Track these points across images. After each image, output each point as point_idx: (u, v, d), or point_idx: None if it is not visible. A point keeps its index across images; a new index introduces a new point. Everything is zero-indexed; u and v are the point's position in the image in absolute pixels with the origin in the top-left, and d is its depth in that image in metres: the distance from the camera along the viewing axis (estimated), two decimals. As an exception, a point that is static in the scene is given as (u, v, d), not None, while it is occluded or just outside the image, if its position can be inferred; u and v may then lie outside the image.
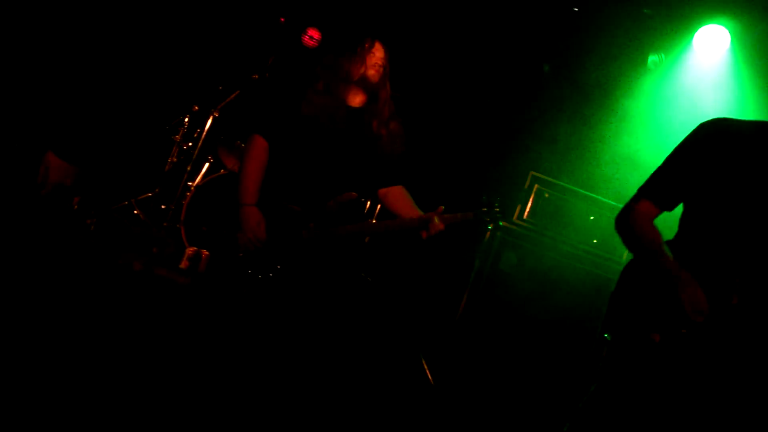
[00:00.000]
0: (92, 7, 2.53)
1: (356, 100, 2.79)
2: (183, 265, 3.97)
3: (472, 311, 4.09)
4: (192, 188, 4.60)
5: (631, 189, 2.19)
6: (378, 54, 2.73)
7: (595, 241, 4.27)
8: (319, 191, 2.70)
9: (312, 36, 5.94)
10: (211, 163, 4.84)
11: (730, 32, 4.49)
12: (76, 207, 4.23)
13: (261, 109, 2.78)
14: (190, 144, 5.05)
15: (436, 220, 2.53)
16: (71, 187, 2.52)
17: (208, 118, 4.94)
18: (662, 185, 2.10)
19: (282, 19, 6.06)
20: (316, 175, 2.71)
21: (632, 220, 2.10)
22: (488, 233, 4.28)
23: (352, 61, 2.70)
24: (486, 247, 4.19)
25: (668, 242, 2.07)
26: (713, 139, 2.00)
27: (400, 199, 2.80)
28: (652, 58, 4.76)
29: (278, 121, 2.73)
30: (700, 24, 4.58)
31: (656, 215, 2.11)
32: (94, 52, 2.54)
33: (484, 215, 2.63)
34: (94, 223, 4.09)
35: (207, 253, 3.99)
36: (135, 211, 4.73)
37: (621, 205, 2.20)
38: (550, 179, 4.38)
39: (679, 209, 2.14)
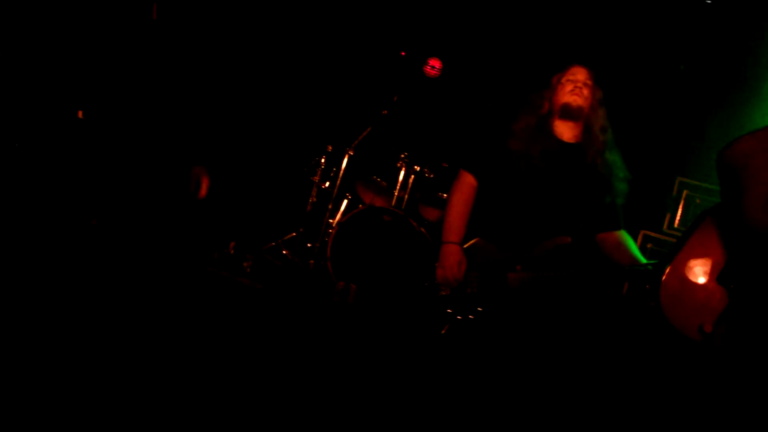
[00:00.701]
0: (237, 64, 2.75)
1: (567, 133, 2.64)
2: (334, 299, 4.14)
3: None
4: (334, 225, 4.80)
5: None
6: (578, 77, 2.60)
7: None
8: (529, 232, 2.56)
9: (433, 65, 6.04)
10: (349, 200, 5.03)
11: None
12: (232, 252, 4.55)
13: (469, 145, 2.78)
14: (328, 183, 5.27)
15: None
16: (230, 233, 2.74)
17: (344, 157, 5.14)
18: None
19: (402, 53, 6.22)
20: (527, 215, 2.58)
21: None
22: (638, 244, 4.10)
23: (551, 91, 2.62)
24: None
25: None
26: None
27: (621, 246, 2.59)
28: None
29: (487, 158, 2.67)
30: None
31: None
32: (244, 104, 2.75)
33: None
34: (250, 265, 4.36)
35: (355, 286, 4.14)
36: (283, 251, 4.99)
37: None
38: (699, 183, 4.14)
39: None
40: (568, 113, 2.59)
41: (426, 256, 4.33)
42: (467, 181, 2.69)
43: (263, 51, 5.68)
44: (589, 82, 2.61)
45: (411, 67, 6.06)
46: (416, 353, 2.79)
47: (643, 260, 2.50)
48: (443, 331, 2.53)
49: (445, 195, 4.78)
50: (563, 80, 2.61)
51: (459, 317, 2.54)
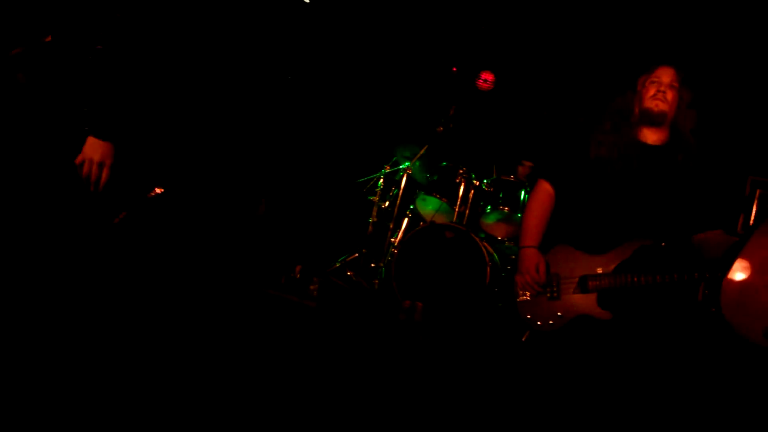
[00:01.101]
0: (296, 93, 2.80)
1: (652, 136, 2.56)
2: (401, 317, 4.15)
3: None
4: (397, 244, 4.82)
5: None
6: (663, 79, 2.51)
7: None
8: (614, 236, 2.50)
9: (486, 79, 6.04)
10: (410, 219, 5.05)
11: None
12: (299, 276, 4.62)
13: (548, 154, 2.77)
14: (388, 203, 5.30)
15: None
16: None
17: (402, 176, 5.17)
18: None
19: (454, 69, 6.24)
20: (610, 219, 2.53)
21: None
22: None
23: (636, 95, 2.55)
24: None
25: None
26: None
27: (721, 246, 2.47)
28: None
29: (565, 166, 2.65)
30: None
31: None
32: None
33: None
34: (317, 288, 4.42)
35: (422, 304, 4.14)
36: (348, 273, 5.04)
37: None
38: (773, 181, 3.99)
39: None
40: (650, 119, 2.52)
41: (490, 270, 4.29)
42: (544, 189, 2.67)
43: (319, 75, 5.78)
44: (675, 84, 2.51)
45: (464, 83, 6.07)
46: (497, 365, 2.75)
47: None
48: (524, 339, 2.50)
49: (506, 208, 4.74)
50: (647, 83, 2.53)
51: (539, 323, 2.50)
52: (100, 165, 2.12)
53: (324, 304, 4.29)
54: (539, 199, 2.65)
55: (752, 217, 3.95)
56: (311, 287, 4.40)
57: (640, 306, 2.43)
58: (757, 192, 3.98)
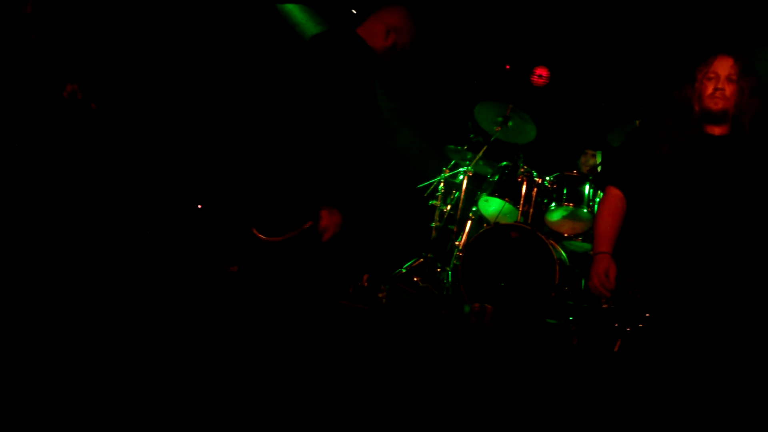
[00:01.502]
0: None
1: (716, 129, 2.49)
2: (471, 321, 4.14)
3: None
4: (462, 247, 4.82)
5: None
6: (720, 72, 2.43)
7: None
8: (691, 234, 2.44)
9: (540, 74, 5.97)
10: (473, 221, 5.03)
11: None
12: (366, 284, 4.67)
13: (613, 159, 2.75)
14: (449, 207, 5.31)
15: None
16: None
17: (463, 179, 5.16)
18: None
19: (507, 66, 6.20)
20: (686, 217, 2.46)
21: None
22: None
23: (694, 90, 2.48)
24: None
25: None
26: None
27: None
28: None
29: (632, 168, 2.60)
30: None
31: None
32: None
33: None
34: (385, 296, 4.46)
35: (491, 307, 4.12)
36: (414, 278, 5.06)
37: None
38: None
39: None
40: (711, 117, 2.46)
41: (559, 268, 4.24)
42: (613, 194, 2.63)
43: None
44: (734, 76, 2.41)
45: (518, 80, 6.02)
46: (594, 376, 2.71)
47: None
48: (615, 349, 2.46)
49: (571, 204, 4.66)
50: (704, 79, 2.45)
51: (628, 329, 2.45)
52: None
53: (394, 311, 4.32)
54: (608, 205, 2.61)
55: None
56: (380, 295, 4.45)
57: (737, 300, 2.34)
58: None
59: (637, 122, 4.60)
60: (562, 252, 4.49)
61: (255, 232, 2.47)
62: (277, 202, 2.52)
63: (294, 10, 5.92)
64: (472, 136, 5.42)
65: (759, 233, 2.38)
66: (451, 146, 5.33)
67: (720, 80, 2.42)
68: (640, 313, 2.43)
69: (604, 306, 2.52)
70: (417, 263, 5.29)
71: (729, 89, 2.41)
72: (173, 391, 2.28)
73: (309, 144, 2.58)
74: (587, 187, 4.69)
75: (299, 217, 2.53)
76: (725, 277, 2.35)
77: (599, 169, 5.07)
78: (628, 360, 2.46)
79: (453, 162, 5.47)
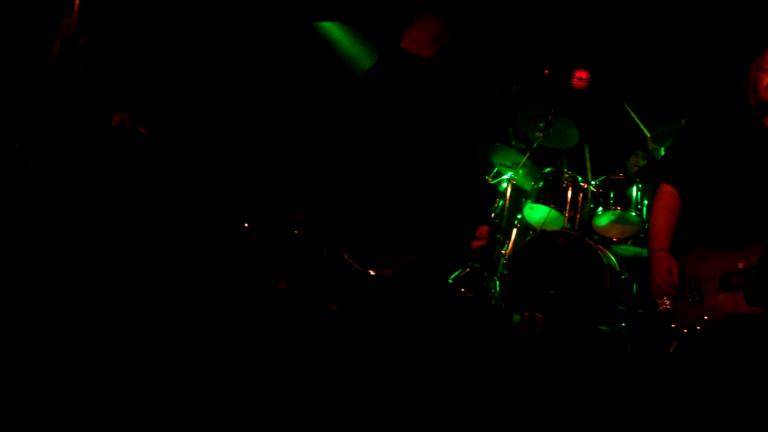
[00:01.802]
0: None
1: None
2: (522, 330, 4.09)
3: None
4: (508, 256, 4.77)
5: None
6: None
7: None
8: (749, 229, 2.39)
9: (580, 77, 5.88)
10: (519, 229, 4.98)
11: None
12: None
13: (666, 155, 2.69)
14: (494, 216, 5.26)
15: None
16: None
17: (507, 187, 5.12)
18: None
19: (546, 71, 6.13)
20: (743, 213, 2.41)
21: None
22: None
23: (749, 83, 2.42)
24: None
25: None
26: None
27: None
28: None
29: (685, 164, 2.56)
30: None
31: None
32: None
33: None
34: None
35: (541, 316, 4.06)
36: (462, 289, 5.03)
37: None
38: None
39: None
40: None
41: (609, 274, 4.16)
42: (667, 190, 2.57)
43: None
44: None
45: (558, 83, 5.94)
46: (650, 382, 2.64)
47: None
48: (671, 350, 2.40)
49: (619, 208, 4.57)
50: (759, 71, 2.37)
51: (686, 331, 2.39)
52: None
53: (443, 321, 4.29)
54: (663, 201, 2.55)
55: None
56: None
57: None
58: None
59: (683, 121, 4.51)
60: (612, 257, 4.40)
61: (353, 263, 2.46)
62: (379, 235, 2.52)
63: (331, 28, 6.00)
64: (513, 142, 5.38)
65: None
66: (498, 144, 5.29)
67: None
68: (699, 315, 2.36)
69: (660, 309, 2.45)
70: (463, 273, 5.26)
71: None
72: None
73: (413, 173, 2.60)
74: (635, 189, 4.60)
75: (402, 250, 2.52)
76: None
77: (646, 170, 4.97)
78: (685, 363, 2.39)
79: (496, 170, 5.42)
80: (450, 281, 5.13)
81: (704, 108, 2.70)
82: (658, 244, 2.49)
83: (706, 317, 2.35)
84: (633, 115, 5.12)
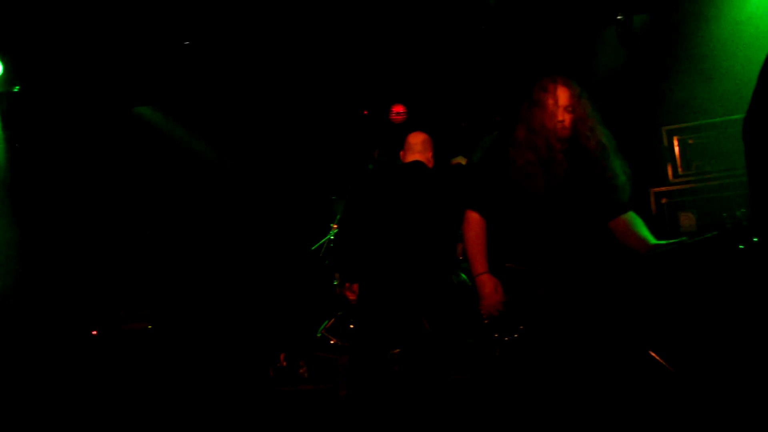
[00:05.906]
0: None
1: (559, 146, 2.60)
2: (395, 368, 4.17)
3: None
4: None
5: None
6: (561, 101, 2.57)
7: None
8: (547, 243, 2.60)
9: (398, 111, 6.12)
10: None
11: None
12: (285, 363, 4.61)
13: (469, 186, 2.78)
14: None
15: None
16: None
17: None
18: None
19: (365, 112, 6.33)
20: (537, 227, 2.61)
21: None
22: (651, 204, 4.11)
23: (538, 113, 2.59)
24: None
25: None
26: None
27: (628, 230, 2.63)
28: None
29: (486, 190, 2.71)
30: None
31: None
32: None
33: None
34: (306, 370, 4.42)
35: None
36: (331, 341, 5.05)
37: None
38: (684, 125, 4.18)
39: None
40: (556, 138, 2.60)
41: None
42: (474, 218, 2.70)
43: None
44: (572, 100, 2.58)
45: (379, 122, 6.15)
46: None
47: (653, 240, 2.53)
48: (496, 353, 2.57)
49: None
50: (546, 104, 2.59)
51: (506, 339, 2.57)
52: None
53: (318, 382, 4.29)
54: (472, 229, 2.69)
55: (678, 164, 4.11)
56: (300, 371, 4.41)
57: (591, 299, 2.55)
58: (675, 139, 4.14)
59: (496, 132, 4.83)
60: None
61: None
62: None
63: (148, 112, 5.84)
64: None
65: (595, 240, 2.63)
66: (334, 197, 5.40)
67: (562, 106, 2.57)
68: (516, 325, 2.57)
69: (486, 321, 2.62)
70: (330, 324, 5.28)
71: (574, 112, 2.58)
72: None
73: None
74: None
75: None
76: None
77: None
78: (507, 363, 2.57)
79: (338, 216, 5.52)
80: (318, 335, 5.13)
81: (507, 123, 2.90)
82: (479, 268, 2.64)
83: (521, 327, 2.56)
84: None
